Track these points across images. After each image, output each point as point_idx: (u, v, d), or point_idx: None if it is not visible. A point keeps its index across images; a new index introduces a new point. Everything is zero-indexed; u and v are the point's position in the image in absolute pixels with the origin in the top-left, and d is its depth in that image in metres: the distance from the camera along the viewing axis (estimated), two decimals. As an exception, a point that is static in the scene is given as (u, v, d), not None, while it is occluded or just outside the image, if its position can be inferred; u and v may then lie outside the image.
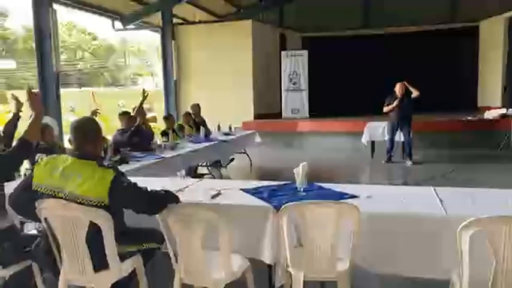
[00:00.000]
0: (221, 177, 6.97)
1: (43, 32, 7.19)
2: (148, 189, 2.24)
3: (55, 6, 7.54)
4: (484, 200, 2.59)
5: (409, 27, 12.22)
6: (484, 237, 1.89)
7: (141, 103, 5.38)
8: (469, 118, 9.62)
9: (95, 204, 2.13)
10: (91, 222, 2.14)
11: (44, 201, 2.19)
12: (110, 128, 9.03)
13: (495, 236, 1.87)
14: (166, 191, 2.31)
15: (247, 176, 7.22)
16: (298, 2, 13.55)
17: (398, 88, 7.34)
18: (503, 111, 9.12)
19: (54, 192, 2.19)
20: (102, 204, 2.14)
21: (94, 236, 2.15)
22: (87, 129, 2.29)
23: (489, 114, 9.83)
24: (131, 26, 11.59)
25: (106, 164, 2.31)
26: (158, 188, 2.33)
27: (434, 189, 2.79)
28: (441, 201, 2.53)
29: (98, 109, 4.98)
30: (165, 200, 2.25)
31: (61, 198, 2.17)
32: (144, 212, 2.25)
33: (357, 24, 13.16)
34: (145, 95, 5.33)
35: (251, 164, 7.90)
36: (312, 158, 8.79)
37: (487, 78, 12.12)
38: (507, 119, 8.67)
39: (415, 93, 7.26)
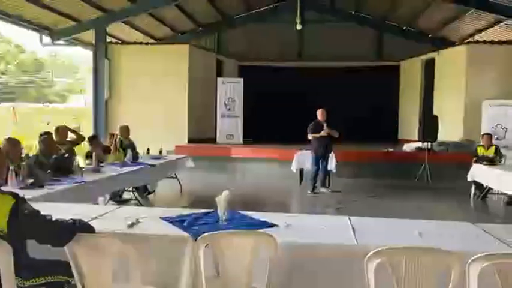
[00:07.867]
0: (148, 203, 6.73)
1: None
2: (53, 219, 2.09)
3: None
4: (393, 229, 2.75)
5: (338, 62, 13.07)
6: (389, 267, 2.00)
7: None
8: (390, 150, 10.31)
9: None
10: (-14, 254, 1.95)
11: None
12: (30, 147, 8.41)
13: (397, 266, 1.99)
14: (75, 220, 2.17)
15: (177, 202, 7.04)
16: (236, 31, 13.93)
17: (320, 114, 7.64)
18: (419, 144, 9.89)
19: None
20: (0, 234, 1.96)
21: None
22: None
23: (407, 147, 10.62)
24: (61, 42, 11.11)
25: (9, 189, 2.13)
26: (72, 216, 2.18)
27: (349, 219, 2.92)
28: (354, 230, 2.65)
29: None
30: (73, 230, 2.10)
31: None
32: (47, 243, 2.10)
33: (292, 57, 13.81)
34: None
35: (181, 190, 7.75)
36: (244, 184, 8.98)
37: (406, 113, 13.22)
38: (422, 152, 9.41)
39: (335, 134, 7.61)
